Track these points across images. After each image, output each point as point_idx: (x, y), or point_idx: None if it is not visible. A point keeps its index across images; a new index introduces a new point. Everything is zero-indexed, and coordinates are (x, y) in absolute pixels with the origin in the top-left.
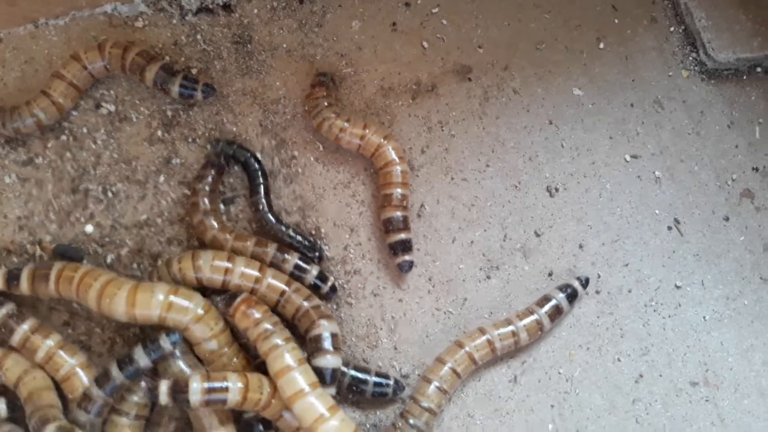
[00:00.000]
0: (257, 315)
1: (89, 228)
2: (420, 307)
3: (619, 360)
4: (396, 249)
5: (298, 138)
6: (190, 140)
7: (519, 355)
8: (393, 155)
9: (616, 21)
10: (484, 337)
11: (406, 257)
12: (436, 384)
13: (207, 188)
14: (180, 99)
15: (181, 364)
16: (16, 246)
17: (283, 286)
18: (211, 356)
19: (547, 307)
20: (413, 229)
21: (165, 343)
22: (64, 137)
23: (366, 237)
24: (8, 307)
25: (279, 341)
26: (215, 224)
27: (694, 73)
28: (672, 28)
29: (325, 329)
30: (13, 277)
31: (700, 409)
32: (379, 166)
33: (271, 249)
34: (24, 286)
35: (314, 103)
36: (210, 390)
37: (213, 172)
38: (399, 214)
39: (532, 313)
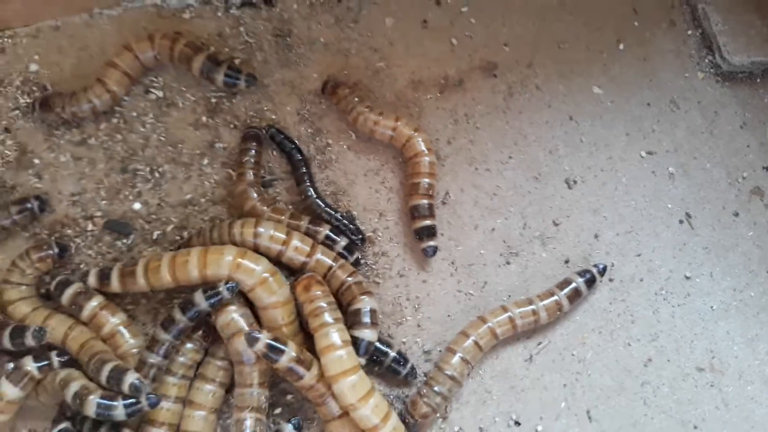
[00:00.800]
0: (317, 293)
1: (137, 205)
2: (443, 289)
3: (629, 345)
4: (421, 234)
5: (332, 127)
6: (232, 126)
7: (535, 336)
8: (422, 147)
9: (636, 24)
10: (506, 315)
11: (431, 243)
12: (460, 355)
13: (252, 160)
14: (224, 87)
15: (241, 322)
16: (70, 220)
17: (331, 262)
18: None
19: (567, 290)
20: (438, 215)
21: (223, 289)
22: (115, 120)
23: (393, 221)
24: (77, 285)
25: (329, 319)
26: (255, 195)
27: (709, 75)
28: (689, 32)
29: (365, 304)
30: (104, 276)
31: (705, 393)
32: (408, 157)
33: (304, 222)
34: (114, 284)
35: (345, 102)
36: (297, 361)
37: (254, 144)
38: (425, 202)
39: (552, 294)
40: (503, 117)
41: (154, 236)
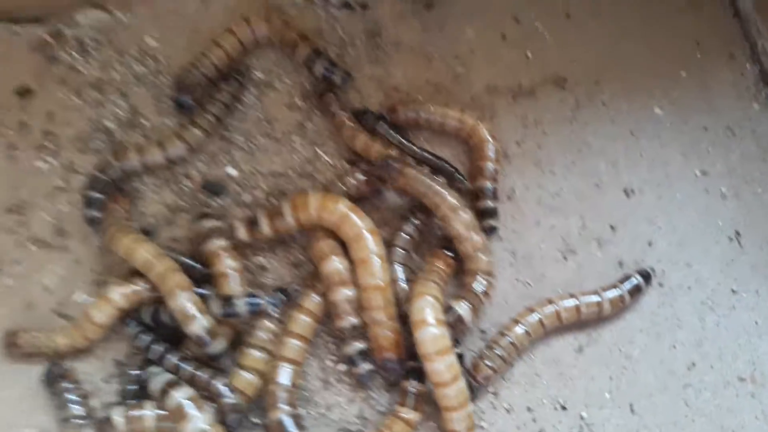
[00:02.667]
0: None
1: (231, 170)
2: (502, 276)
3: (674, 347)
4: (483, 215)
5: None
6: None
7: (586, 329)
8: (486, 134)
9: (698, 55)
10: (573, 301)
11: (491, 222)
12: (524, 328)
13: (338, 106)
14: (321, 78)
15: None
16: (170, 176)
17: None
18: None
19: (628, 285)
20: (503, 209)
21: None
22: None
23: None
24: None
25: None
26: (365, 134)
27: (765, 107)
28: (748, 65)
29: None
30: (253, 223)
31: (745, 403)
32: (474, 144)
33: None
34: (265, 229)
35: (411, 111)
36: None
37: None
38: (489, 184)
39: (615, 287)
40: (569, 126)
41: (246, 200)
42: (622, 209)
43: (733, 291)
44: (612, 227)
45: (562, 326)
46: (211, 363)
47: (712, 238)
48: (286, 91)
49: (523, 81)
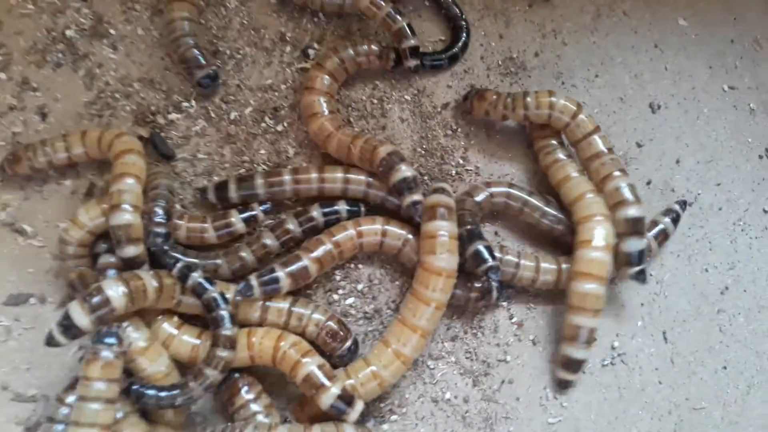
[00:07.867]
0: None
1: None
2: None
3: (706, 270)
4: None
5: None
6: (316, 18)
7: None
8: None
9: None
10: None
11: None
12: None
13: None
14: None
15: None
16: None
17: None
18: None
19: (655, 231)
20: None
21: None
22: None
23: None
24: None
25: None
26: None
27: None
28: None
29: None
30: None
31: None
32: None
33: None
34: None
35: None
36: None
37: None
38: None
39: (658, 223)
40: (590, 37)
41: (232, 116)
42: (648, 125)
43: (765, 211)
44: (638, 144)
45: None
46: None
47: (741, 155)
48: None
49: None
